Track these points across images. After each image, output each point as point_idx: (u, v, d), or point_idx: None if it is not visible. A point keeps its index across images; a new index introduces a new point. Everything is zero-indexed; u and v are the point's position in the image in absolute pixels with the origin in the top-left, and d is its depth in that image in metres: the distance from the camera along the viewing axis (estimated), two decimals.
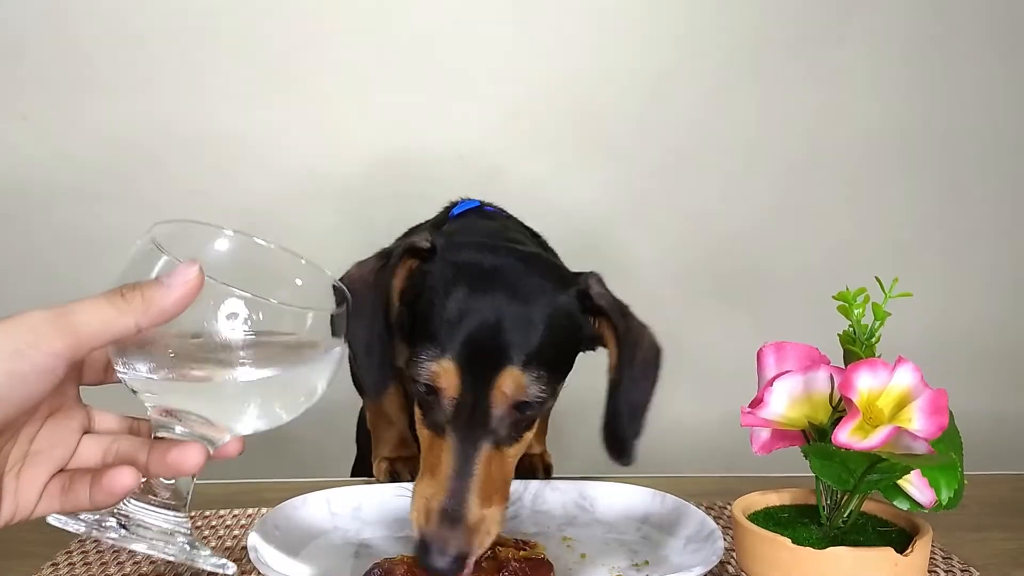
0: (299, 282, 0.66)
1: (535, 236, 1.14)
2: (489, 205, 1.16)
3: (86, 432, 0.66)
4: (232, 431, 0.65)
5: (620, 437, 0.85)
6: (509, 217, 1.15)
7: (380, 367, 0.86)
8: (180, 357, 0.60)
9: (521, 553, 0.80)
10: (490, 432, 0.79)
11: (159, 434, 0.63)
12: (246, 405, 0.63)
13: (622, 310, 0.88)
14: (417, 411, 0.85)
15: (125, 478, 0.61)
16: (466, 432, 0.79)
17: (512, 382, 0.78)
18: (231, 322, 0.58)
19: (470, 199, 1.16)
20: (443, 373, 0.79)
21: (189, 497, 0.66)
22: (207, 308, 0.58)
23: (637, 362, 0.86)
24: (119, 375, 0.62)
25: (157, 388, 0.61)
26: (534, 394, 0.79)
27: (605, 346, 0.88)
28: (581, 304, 0.86)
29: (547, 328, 0.81)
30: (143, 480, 0.64)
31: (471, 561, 0.76)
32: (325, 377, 0.67)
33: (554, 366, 0.82)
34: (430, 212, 1.18)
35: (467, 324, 0.79)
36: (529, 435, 0.84)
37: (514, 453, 0.83)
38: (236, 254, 0.63)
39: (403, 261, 0.87)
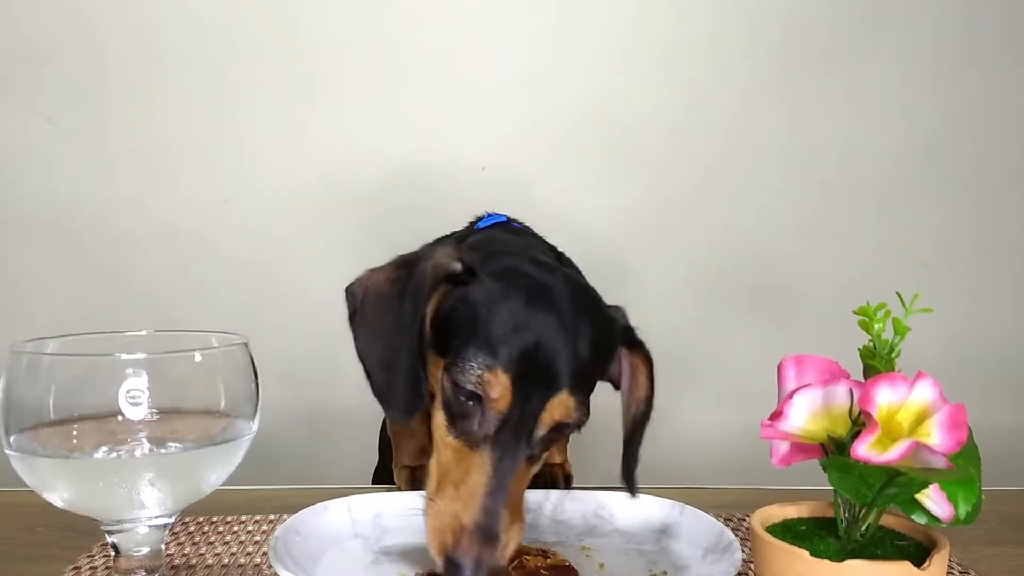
0: (198, 357, 0.66)
1: (559, 256, 1.14)
2: (515, 221, 1.15)
3: None
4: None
5: (630, 468, 0.89)
6: (535, 235, 1.15)
7: (406, 387, 0.80)
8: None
9: (548, 561, 0.81)
10: (529, 449, 0.79)
11: None
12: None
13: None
14: (441, 418, 0.81)
15: None
16: (508, 448, 0.77)
17: (562, 405, 0.78)
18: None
19: (496, 214, 1.16)
20: (496, 384, 0.76)
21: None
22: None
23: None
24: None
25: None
26: (575, 418, 0.80)
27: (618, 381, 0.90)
28: (622, 337, 0.87)
29: (593, 356, 0.81)
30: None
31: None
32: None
33: (590, 392, 0.83)
34: (451, 225, 1.18)
35: (524, 339, 0.77)
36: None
37: (536, 469, 0.84)
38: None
39: (436, 287, 0.82)
